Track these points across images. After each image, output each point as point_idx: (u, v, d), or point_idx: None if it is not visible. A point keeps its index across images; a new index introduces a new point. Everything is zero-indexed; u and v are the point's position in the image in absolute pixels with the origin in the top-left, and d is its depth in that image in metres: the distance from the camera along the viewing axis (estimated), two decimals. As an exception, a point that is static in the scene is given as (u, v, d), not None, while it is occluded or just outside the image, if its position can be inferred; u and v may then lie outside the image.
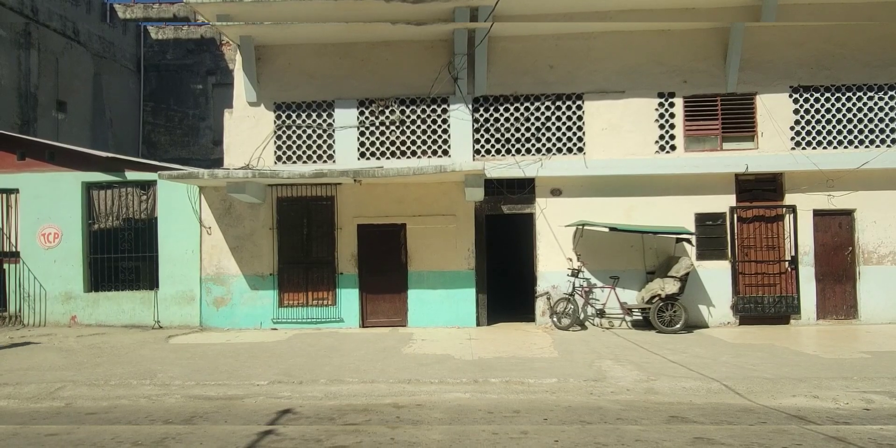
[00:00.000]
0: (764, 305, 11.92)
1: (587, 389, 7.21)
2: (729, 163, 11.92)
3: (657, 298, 11.18)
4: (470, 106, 12.27)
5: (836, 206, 11.98)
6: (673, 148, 12.19)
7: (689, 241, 11.72)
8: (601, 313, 11.78)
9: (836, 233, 12.08)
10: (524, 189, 12.30)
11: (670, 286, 11.07)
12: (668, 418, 6.03)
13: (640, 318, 11.70)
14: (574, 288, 11.75)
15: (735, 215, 12.07)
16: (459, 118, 12.28)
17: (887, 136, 12.00)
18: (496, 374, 7.88)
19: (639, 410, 6.33)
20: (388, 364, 8.63)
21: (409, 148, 12.40)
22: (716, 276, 12.02)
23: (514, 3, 11.01)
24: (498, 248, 13.87)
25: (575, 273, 11.74)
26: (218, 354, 9.56)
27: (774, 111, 12.06)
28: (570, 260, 11.94)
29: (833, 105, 12.07)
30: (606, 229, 11.58)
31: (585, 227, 11.81)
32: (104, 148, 19.56)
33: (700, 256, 12.08)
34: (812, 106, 12.09)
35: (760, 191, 12.18)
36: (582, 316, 11.97)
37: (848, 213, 12.04)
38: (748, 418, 6.00)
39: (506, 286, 14.36)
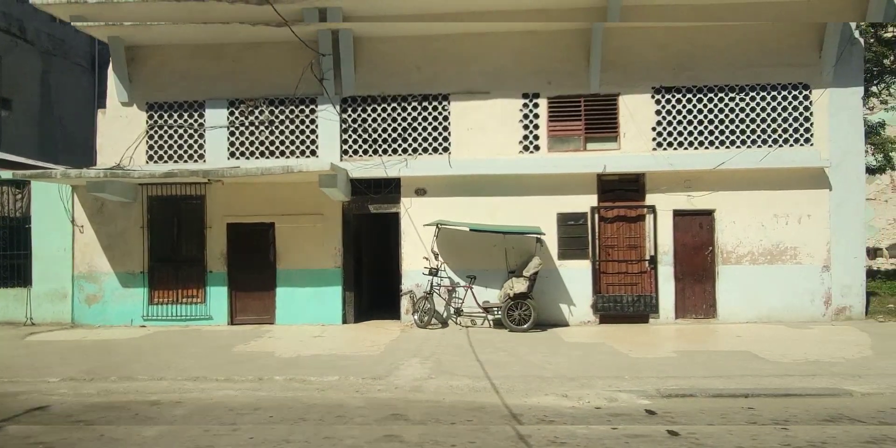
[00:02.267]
0: (623, 304, 12.07)
1: (357, 387, 7.38)
2: (591, 163, 12.05)
3: (508, 298, 11.33)
4: (338, 106, 12.41)
5: (696, 207, 12.10)
6: (537, 148, 12.32)
7: (540, 240, 11.86)
8: (458, 312, 11.93)
9: (697, 233, 12.22)
10: (390, 189, 12.44)
11: (519, 285, 11.22)
12: (388, 416, 6.19)
13: (500, 316, 11.85)
14: (432, 286, 11.91)
15: (597, 215, 12.20)
16: (327, 118, 12.42)
17: (747, 137, 12.12)
18: (291, 371, 8.06)
19: (375, 409, 6.49)
20: (202, 361, 8.81)
21: (277, 148, 12.55)
22: (577, 276, 12.17)
23: (363, 4, 11.12)
24: (376, 247, 14.00)
25: (433, 272, 11.89)
26: (54, 351, 9.75)
27: (636, 112, 12.18)
28: (427, 259, 12.08)
29: (694, 106, 12.19)
30: (463, 229, 11.73)
31: (448, 227, 11.94)
32: (51, 147, 19.74)
33: (562, 256, 12.23)
34: (674, 107, 12.20)
35: (623, 191, 12.31)
36: (445, 314, 12.14)
37: (708, 214, 12.17)
38: (468, 417, 6.16)
39: (383, 284, 14.53)
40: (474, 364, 8.44)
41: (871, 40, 16.03)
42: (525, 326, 11.22)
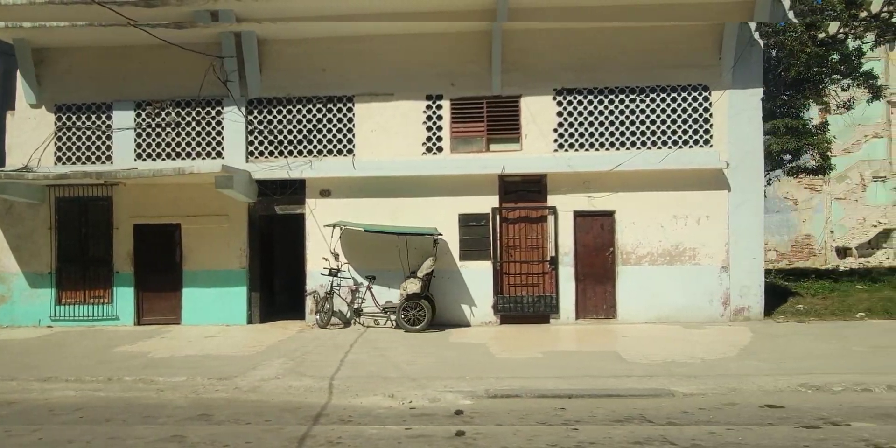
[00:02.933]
0: (524, 305, 12.16)
1: (196, 388, 7.47)
2: (493, 164, 12.13)
3: (402, 298, 11.42)
4: (243, 108, 12.48)
5: (597, 208, 12.17)
6: (440, 149, 12.40)
7: (437, 241, 11.93)
8: (358, 312, 12.02)
9: (598, 234, 12.29)
10: (295, 190, 12.53)
11: (412, 286, 11.30)
12: (194, 417, 6.29)
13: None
14: (332, 287, 12.00)
15: (498, 216, 12.28)
16: (233, 120, 12.50)
17: (648, 138, 12.19)
18: (147, 372, 8.15)
19: (191, 409, 6.59)
20: (74, 361, 8.93)
21: (184, 149, 12.64)
22: (479, 276, 12.25)
23: (254, 6, 11.19)
24: (287, 248, 14.07)
25: (333, 272, 11.97)
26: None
27: (538, 113, 12.25)
28: (326, 259, 12.15)
29: (595, 107, 12.26)
30: (361, 229, 11.82)
31: (351, 228, 12.01)
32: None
33: (463, 257, 12.30)
34: (575, 108, 12.27)
35: (525, 192, 12.39)
36: (349, 314, 12.23)
37: (609, 214, 12.24)
38: (275, 417, 6.25)
39: (296, 285, 14.59)
40: (334, 364, 8.53)
41: (800, 42, 16.02)
42: (419, 327, 11.30)
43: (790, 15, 11.91)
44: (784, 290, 16.28)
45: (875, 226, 30.87)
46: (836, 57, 17.64)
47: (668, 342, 10.05)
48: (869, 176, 30.66)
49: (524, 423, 5.99)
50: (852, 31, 16.83)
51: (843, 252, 30.78)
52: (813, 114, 29.69)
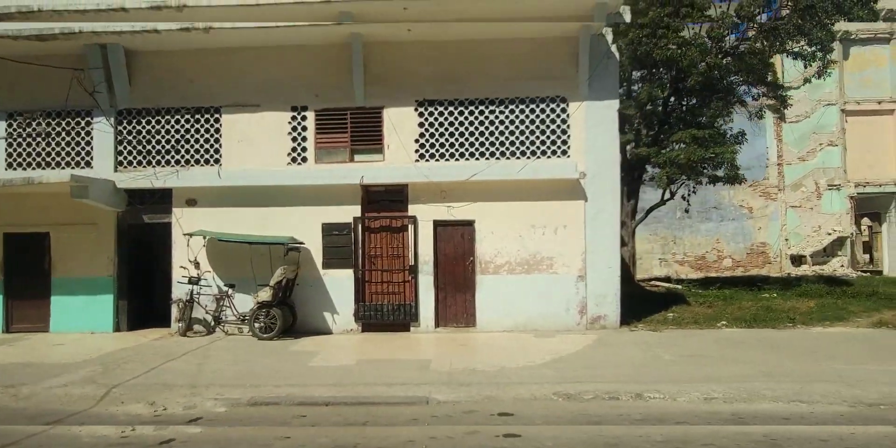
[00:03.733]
0: (384, 313, 12.31)
1: (-25, 395, 7.62)
2: (356, 175, 12.30)
3: (254, 306, 11.58)
4: (112, 119, 12.67)
5: (456, 217, 12.34)
6: (304, 159, 12.58)
7: (296, 249, 12.10)
8: (218, 320, 12.18)
9: (459, 243, 12.46)
10: (163, 199, 12.70)
11: (263, 295, 11.47)
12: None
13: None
14: (192, 295, 12.15)
15: (361, 225, 12.45)
16: (102, 130, 12.69)
17: (507, 149, 12.39)
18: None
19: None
20: None
21: (54, 159, 12.82)
22: (341, 285, 12.40)
23: (110, 23, 11.40)
24: (168, 257, 14.19)
25: (193, 280, 12.13)
26: None
27: (401, 124, 12.44)
28: (185, 268, 12.31)
29: (456, 118, 12.46)
30: (217, 239, 12.00)
31: (213, 238, 12.17)
32: None
33: (326, 265, 12.46)
34: (436, 119, 12.47)
35: (388, 201, 12.57)
36: (213, 323, 12.37)
37: (469, 224, 12.41)
38: (12, 422, 6.41)
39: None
40: (141, 372, 8.68)
41: (700, 52, 16.16)
42: (270, 335, 11.44)
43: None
44: (677, 297, 16.52)
45: (830, 234, 31.08)
46: (737, 66, 17.84)
47: (500, 350, 10.19)
48: (824, 184, 30.86)
49: (255, 428, 6.14)
50: (747, 42, 17.08)
51: (797, 260, 30.96)
52: (768, 123, 30.08)
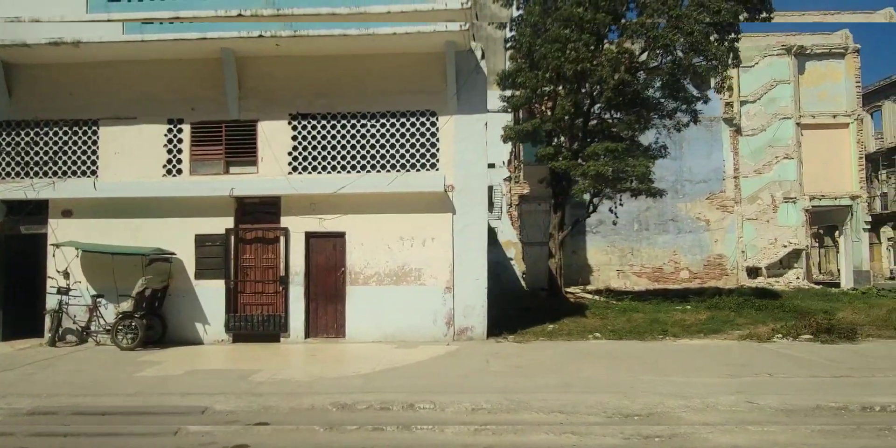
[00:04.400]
0: (254, 324, 12.42)
1: None
2: (229, 186, 12.45)
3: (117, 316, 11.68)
4: (-10, 130, 12.85)
5: (328, 229, 12.49)
6: (179, 171, 12.74)
7: (166, 259, 12.23)
8: (87, 330, 12.27)
9: (331, 254, 12.59)
10: (40, 210, 12.83)
11: (125, 305, 11.59)
12: None
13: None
14: (61, 305, 12.24)
15: (234, 236, 12.58)
16: (-20, 142, 12.85)
17: (377, 162, 12.56)
18: None
19: None
20: None
21: (-67, 170, 12.97)
22: (213, 295, 12.51)
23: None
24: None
25: (62, 291, 12.23)
26: None
27: (274, 138, 12.62)
28: (53, 278, 12.43)
29: (328, 132, 12.64)
30: (86, 249, 12.11)
31: (82, 248, 12.29)
32: None
33: (199, 276, 12.57)
34: (309, 133, 12.66)
35: (262, 213, 12.71)
36: (84, 333, 12.44)
37: (340, 236, 12.55)
38: None
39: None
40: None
41: (611, 67, 16.36)
42: (132, 345, 11.53)
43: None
44: (581, 308, 16.64)
45: (785, 246, 31.22)
46: (655, 82, 18.11)
47: (342, 361, 10.34)
48: (780, 197, 31.11)
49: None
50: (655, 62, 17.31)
51: (754, 272, 31.09)
52: (724, 137, 30.32)
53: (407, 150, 12.55)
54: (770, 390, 7.74)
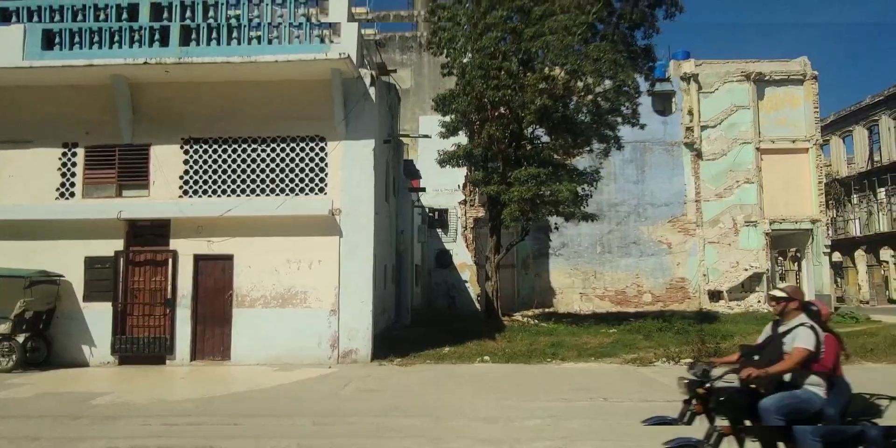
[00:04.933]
0: (140, 346, 12.47)
1: None
2: (118, 209, 12.60)
3: (-2, 338, 11.73)
4: None
5: (215, 252, 12.61)
6: (73, 195, 12.91)
7: (52, 281, 12.32)
8: (-31, 352, 12.29)
9: (219, 277, 12.70)
10: (-68, 232, 12.94)
11: (3, 327, 11.64)
12: None
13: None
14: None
15: (124, 259, 12.69)
16: None
17: (267, 186, 12.75)
18: None
19: None
20: None
21: None
22: (100, 317, 12.56)
23: None
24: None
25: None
26: None
27: (166, 161, 12.82)
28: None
29: (220, 156, 12.84)
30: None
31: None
32: None
33: (87, 298, 12.65)
34: (201, 157, 12.86)
35: (153, 236, 12.85)
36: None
37: (229, 258, 12.66)
38: None
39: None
40: None
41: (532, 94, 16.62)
42: (10, 367, 11.56)
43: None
44: (494, 330, 16.64)
45: (746, 270, 31.27)
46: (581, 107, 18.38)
47: (207, 385, 10.41)
48: (741, 220, 31.22)
49: None
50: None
51: (716, 295, 31.07)
52: (686, 161, 30.60)
53: (297, 175, 12.75)
54: (584, 415, 7.80)
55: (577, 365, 12.37)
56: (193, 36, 12.12)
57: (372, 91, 12.82)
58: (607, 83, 17.52)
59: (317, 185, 12.73)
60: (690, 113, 31.71)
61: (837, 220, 47.77)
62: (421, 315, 22.69)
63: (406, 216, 20.23)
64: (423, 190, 22.04)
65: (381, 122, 13.95)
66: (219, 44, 12.04)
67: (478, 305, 29.74)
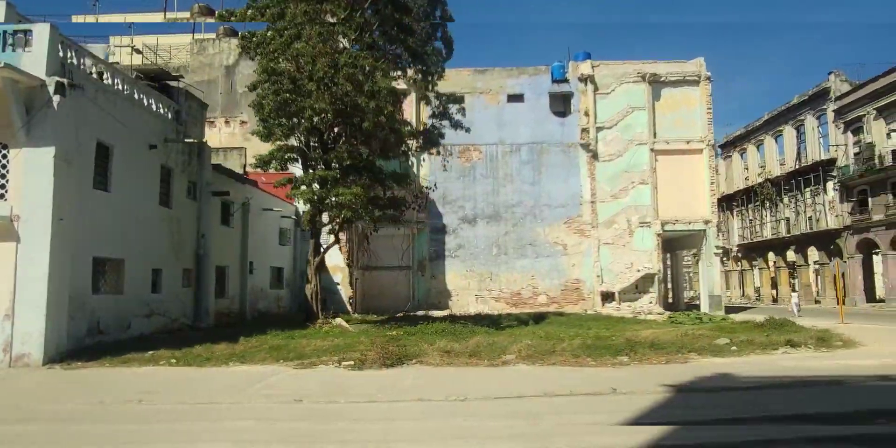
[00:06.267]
0: None
1: None
2: None
3: None
4: None
5: None
6: None
7: None
8: None
9: None
10: None
11: None
12: None
13: None
14: None
15: None
16: None
17: (-50, 193, 12.92)
18: None
19: None
20: None
21: None
22: None
23: None
24: None
25: None
26: None
27: None
28: None
29: None
30: None
31: None
32: None
33: None
34: None
35: None
36: None
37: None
38: None
39: None
40: None
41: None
42: None
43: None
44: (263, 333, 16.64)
45: (639, 271, 31.38)
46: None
47: None
48: (636, 221, 31.22)
49: None
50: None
51: (609, 296, 31.13)
52: (581, 162, 30.72)
53: (-25, 181, 12.95)
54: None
55: (252, 367, 12.49)
56: None
57: (56, 99, 12.99)
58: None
59: (-3, 191, 12.93)
60: (587, 114, 31.70)
61: (771, 221, 47.84)
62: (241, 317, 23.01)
63: (207, 220, 20.35)
64: (227, 194, 22.09)
65: (82, 127, 14.05)
66: None
67: (349, 307, 30.01)
